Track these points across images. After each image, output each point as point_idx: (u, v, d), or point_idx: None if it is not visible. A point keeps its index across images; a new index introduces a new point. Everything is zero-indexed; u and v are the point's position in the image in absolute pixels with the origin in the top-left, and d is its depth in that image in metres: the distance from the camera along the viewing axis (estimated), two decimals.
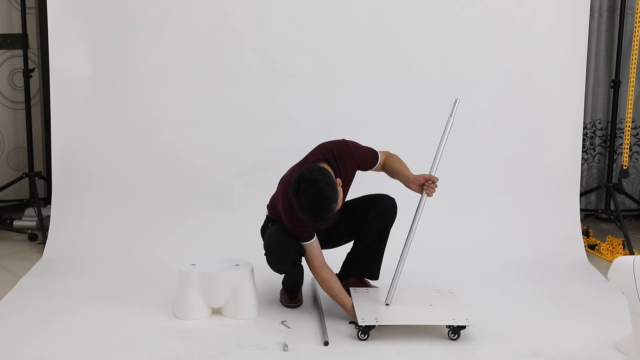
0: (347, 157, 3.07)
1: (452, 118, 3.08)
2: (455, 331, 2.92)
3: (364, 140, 3.22)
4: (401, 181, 3.14)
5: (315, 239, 3.08)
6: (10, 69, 4.84)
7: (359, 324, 2.89)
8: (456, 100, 3.08)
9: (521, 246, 4.08)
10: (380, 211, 3.21)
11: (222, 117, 4.21)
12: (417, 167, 3.18)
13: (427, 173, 3.06)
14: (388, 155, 3.22)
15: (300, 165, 3.10)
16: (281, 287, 3.38)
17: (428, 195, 3.04)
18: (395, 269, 3.06)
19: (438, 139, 4.17)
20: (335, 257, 3.36)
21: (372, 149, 3.19)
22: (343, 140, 3.13)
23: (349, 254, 3.38)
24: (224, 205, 4.19)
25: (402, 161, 3.19)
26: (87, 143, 4.18)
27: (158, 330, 3.00)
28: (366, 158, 3.15)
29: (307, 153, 3.16)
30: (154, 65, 4.15)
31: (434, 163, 3.07)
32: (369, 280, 3.40)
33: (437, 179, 3.05)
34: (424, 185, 3.04)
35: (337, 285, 3.11)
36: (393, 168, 3.17)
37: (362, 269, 3.36)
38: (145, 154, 4.19)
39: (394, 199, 3.22)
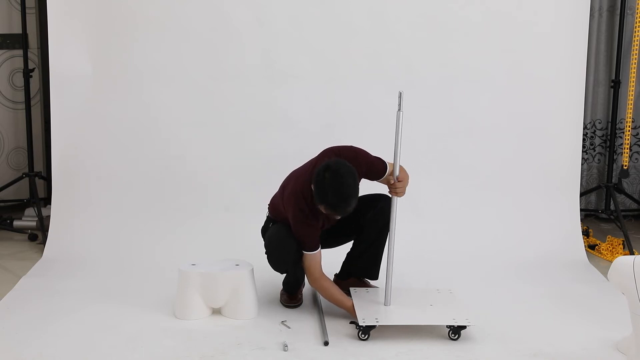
0: (354, 163, 3.00)
1: (401, 112, 3.04)
2: (455, 331, 2.92)
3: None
4: None
5: (319, 250, 3.08)
6: (10, 69, 4.83)
7: (360, 324, 2.89)
8: (400, 93, 3.02)
9: (521, 246, 4.07)
10: (379, 211, 3.20)
11: (222, 117, 4.21)
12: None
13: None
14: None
15: (305, 169, 3.08)
16: (281, 287, 3.38)
17: (397, 196, 3.04)
18: (386, 270, 3.06)
19: (438, 138, 4.23)
20: (335, 257, 3.37)
21: (381, 159, 3.12)
22: (351, 147, 3.09)
23: (348, 254, 3.38)
24: (224, 205, 4.18)
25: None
26: (87, 143, 4.18)
27: (158, 330, 3.00)
28: (373, 167, 3.09)
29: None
30: (154, 65, 4.15)
31: (395, 161, 3.03)
32: (369, 281, 3.40)
33: (401, 179, 3.03)
34: (391, 187, 3.05)
35: (337, 290, 3.12)
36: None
37: (361, 269, 3.36)
38: (145, 154, 4.19)
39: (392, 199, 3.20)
